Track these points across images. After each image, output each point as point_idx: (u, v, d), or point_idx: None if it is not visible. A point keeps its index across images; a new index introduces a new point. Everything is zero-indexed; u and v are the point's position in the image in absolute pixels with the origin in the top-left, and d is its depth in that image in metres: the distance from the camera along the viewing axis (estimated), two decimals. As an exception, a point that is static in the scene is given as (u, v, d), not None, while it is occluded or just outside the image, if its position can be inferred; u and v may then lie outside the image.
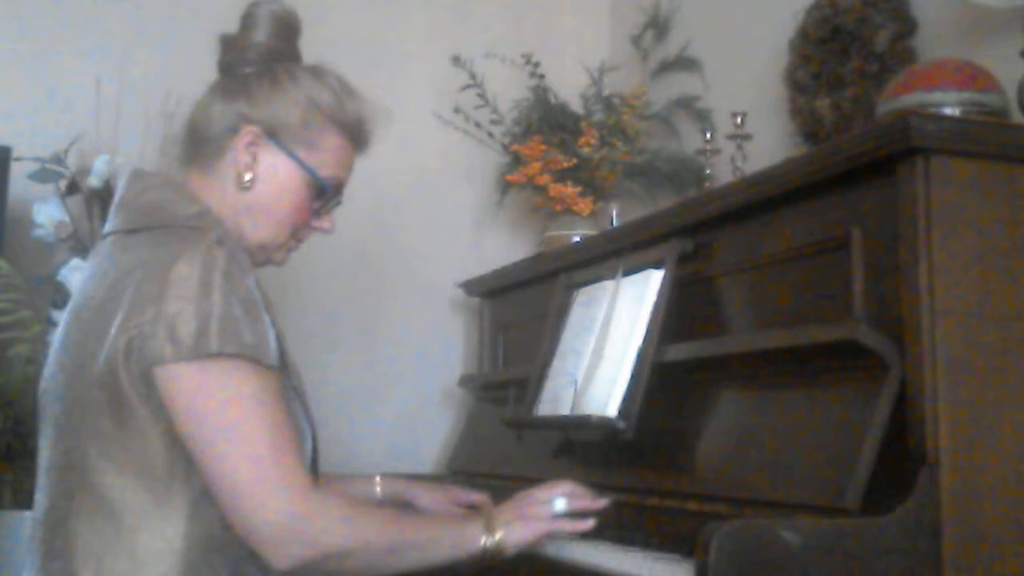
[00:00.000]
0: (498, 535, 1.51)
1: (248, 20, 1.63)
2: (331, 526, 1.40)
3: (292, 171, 1.58)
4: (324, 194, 1.62)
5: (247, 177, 1.56)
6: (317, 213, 1.64)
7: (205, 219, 1.51)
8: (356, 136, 1.64)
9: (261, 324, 1.43)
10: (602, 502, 1.65)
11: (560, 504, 1.60)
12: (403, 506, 1.95)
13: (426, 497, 1.94)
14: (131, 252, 1.48)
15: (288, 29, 1.64)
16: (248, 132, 1.56)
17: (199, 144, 1.60)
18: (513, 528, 1.53)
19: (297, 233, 1.64)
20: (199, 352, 1.36)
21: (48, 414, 1.51)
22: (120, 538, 1.40)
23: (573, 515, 1.61)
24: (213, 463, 1.38)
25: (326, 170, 1.60)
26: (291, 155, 1.58)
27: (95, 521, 1.41)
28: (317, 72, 1.62)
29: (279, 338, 1.53)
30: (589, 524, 1.60)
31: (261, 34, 1.61)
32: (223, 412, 1.38)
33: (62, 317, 1.56)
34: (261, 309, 1.45)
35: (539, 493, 1.63)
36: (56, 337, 1.55)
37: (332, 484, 1.80)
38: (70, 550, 1.41)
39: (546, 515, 1.58)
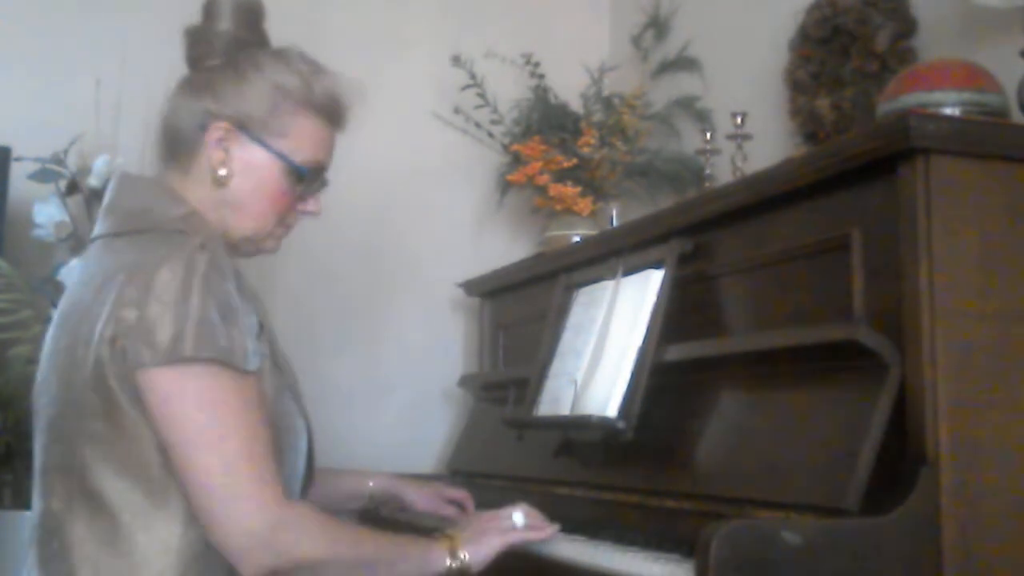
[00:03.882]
0: (462, 555, 1.54)
1: (210, 10, 1.62)
2: (302, 538, 1.41)
3: (267, 161, 1.57)
4: (303, 179, 1.60)
5: (221, 173, 1.55)
6: (302, 198, 1.62)
7: (190, 222, 1.51)
8: (330, 114, 1.62)
9: (238, 329, 1.42)
10: (554, 527, 1.70)
11: (518, 517, 1.66)
12: (392, 500, 2.00)
13: (413, 492, 2.01)
14: (116, 256, 1.48)
15: (251, 14, 1.63)
16: (217, 128, 1.55)
17: (173, 143, 1.60)
18: (475, 547, 1.56)
19: (283, 219, 1.62)
20: (174, 356, 1.36)
21: (42, 417, 1.51)
22: (117, 539, 1.40)
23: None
24: (187, 468, 1.38)
25: (301, 155, 1.58)
26: (263, 145, 1.56)
27: (92, 523, 1.41)
28: (282, 56, 1.60)
29: (271, 337, 1.53)
30: (547, 533, 1.67)
31: (224, 23, 1.60)
32: (197, 417, 1.38)
33: (52, 323, 1.56)
34: (240, 314, 1.44)
35: (497, 512, 1.68)
36: (46, 341, 1.55)
37: (323, 480, 1.80)
38: (67, 552, 1.41)
39: (505, 528, 1.63)
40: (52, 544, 1.44)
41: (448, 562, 1.53)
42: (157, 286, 1.38)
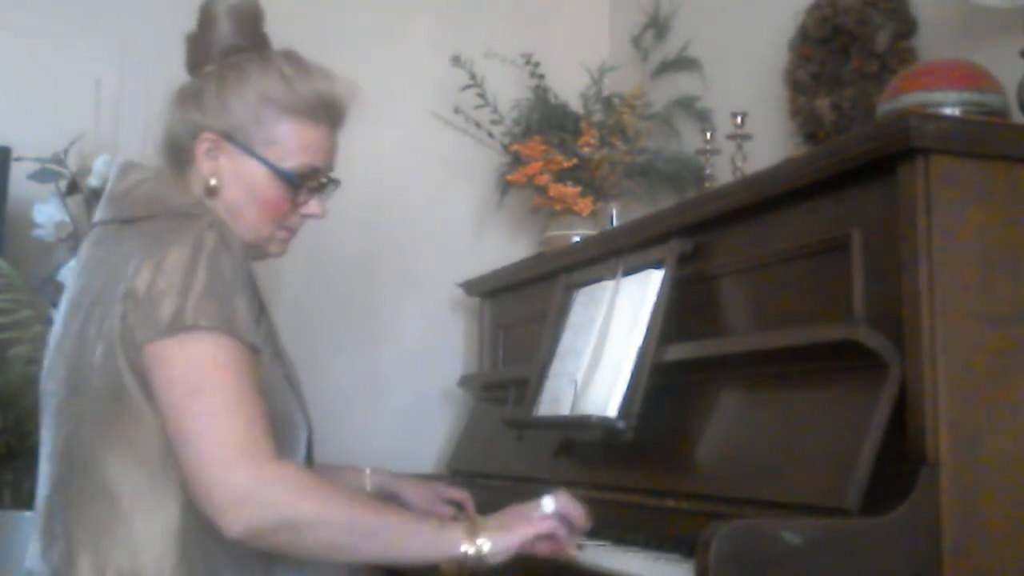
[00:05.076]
0: (481, 542, 1.41)
1: (205, 17, 1.62)
2: (291, 492, 1.35)
3: (256, 170, 1.56)
4: (295, 185, 1.59)
5: (212, 183, 1.55)
6: (302, 201, 1.61)
7: (198, 207, 1.52)
8: (321, 115, 1.59)
9: (241, 300, 1.42)
10: (584, 526, 1.54)
11: (548, 503, 1.51)
12: (389, 498, 1.97)
13: (410, 489, 1.99)
14: (127, 242, 1.49)
15: (248, 19, 1.62)
16: (204, 140, 1.55)
17: (171, 151, 1.61)
18: (498, 535, 1.43)
19: (284, 224, 1.62)
20: (175, 327, 1.37)
21: (49, 404, 1.52)
22: (118, 522, 1.40)
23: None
24: (176, 425, 1.37)
25: (290, 161, 1.57)
26: (251, 155, 1.56)
27: (93, 505, 1.42)
28: (268, 61, 1.58)
29: (271, 327, 1.54)
30: (573, 551, 1.52)
31: (220, 31, 1.59)
32: (190, 376, 1.37)
33: (59, 309, 1.56)
34: (244, 287, 1.44)
35: (526, 504, 1.53)
36: (54, 328, 1.56)
37: (322, 474, 1.80)
38: (69, 535, 1.42)
39: (533, 519, 1.48)
40: (54, 529, 1.45)
41: (464, 548, 1.40)
42: (167, 265, 1.40)
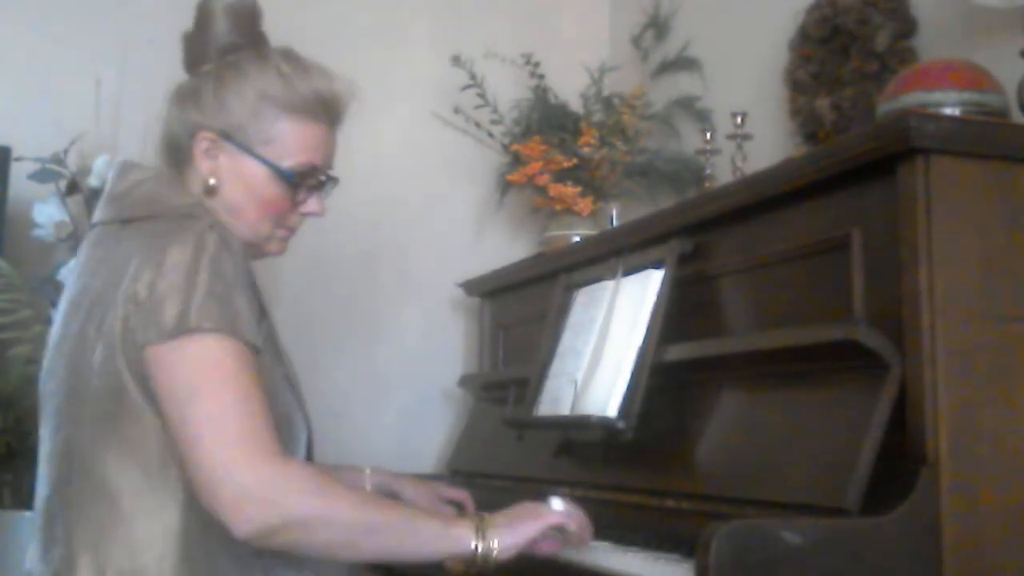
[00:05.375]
0: (490, 538, 1.42)
1: (203, 17, 1.61)
2: (297, 490, 1.35)
3: (255, 169, 1.56)
4: (294, 184, 1.59)
5: (211, 182, 1.56)
6: (303, 201, 1.61)
7: (198, 209, 1.52)
8: (319, 113, 1.59)
9: (242, 301, 1.42)
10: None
11: (557, 503, 1.54)
12: (390, 497, 1.96)
13: (410, 489, 1.99)
14: (127, 243, 1.49)
15: (245, 17, 1.62)
16: (203, 139, 1.56)
17: (170, 151, 1.61)
18: (506, 532, 1.44)
19: (283, 223, 1.62)
20: (179, 330, 1.37)
21: (48, 404, 1.52)
22: (118, 523, 1.40)
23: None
24: (181, 426, 1.36)
25: (290, 160, 1.57)
26: (250, 153, 1.56)
27: (93, 507, 1.42)
28: (266, 59, 1.58)
29: (271, 328, 1.54)
30: (586, 535, 1.55)
31: (217, 29, 1.59)
32: (193, 377, 1.37)
33: (59, 309, 1.56)
34: (245, 288, 1.44)
35: (533, 502, 1.56)
36: (54, 328, 1.55)
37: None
38: (69, 536, 1.42)
39: (541, 514, 1.51)
40: (55, 530, 1.45)
41: (473, 543, 1.41)
42: (167, 265, 1.40)
